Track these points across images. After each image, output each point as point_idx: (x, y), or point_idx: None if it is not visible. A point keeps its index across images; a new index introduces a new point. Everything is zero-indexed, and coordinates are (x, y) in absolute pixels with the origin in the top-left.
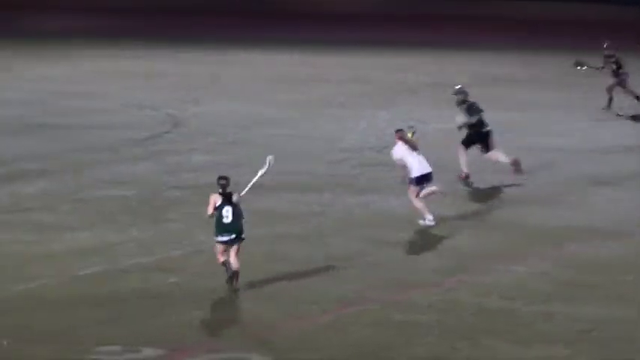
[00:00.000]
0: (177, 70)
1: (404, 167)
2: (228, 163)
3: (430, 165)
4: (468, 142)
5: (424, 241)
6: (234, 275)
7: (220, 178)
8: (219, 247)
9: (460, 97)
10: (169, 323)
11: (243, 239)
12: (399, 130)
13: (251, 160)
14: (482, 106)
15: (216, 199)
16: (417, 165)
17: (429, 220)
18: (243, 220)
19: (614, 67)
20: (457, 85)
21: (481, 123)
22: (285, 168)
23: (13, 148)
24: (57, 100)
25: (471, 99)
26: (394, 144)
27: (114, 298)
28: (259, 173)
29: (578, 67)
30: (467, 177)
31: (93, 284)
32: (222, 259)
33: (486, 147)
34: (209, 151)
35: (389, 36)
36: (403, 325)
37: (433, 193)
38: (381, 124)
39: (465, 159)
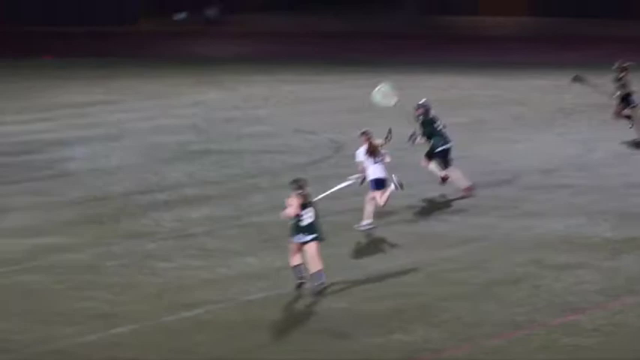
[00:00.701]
0: (338, 94)
1: (363, 170)
2: None
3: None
4: None
5: (587, 263)
6: (319, 275)
7: (298, 180)
8: (294, 248)
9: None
10: (341, 349)
11: (322, 239)
12: (364, 133)
13: (411, 182)
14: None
15: (294, 202)
16: (372, 171)
17: (366, 224)
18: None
19: (621, 89)
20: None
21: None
22: (445, 190)
23: (175, 175)
24: (216, 126)
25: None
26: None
27: (280, 323)
28: (341, 185)
29: (578, 83)
30: None
31: (259, 309)
32: (295, 262)
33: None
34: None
35: (542, 58)
36: (570, 350)
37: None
38: (542, 146)
39: None
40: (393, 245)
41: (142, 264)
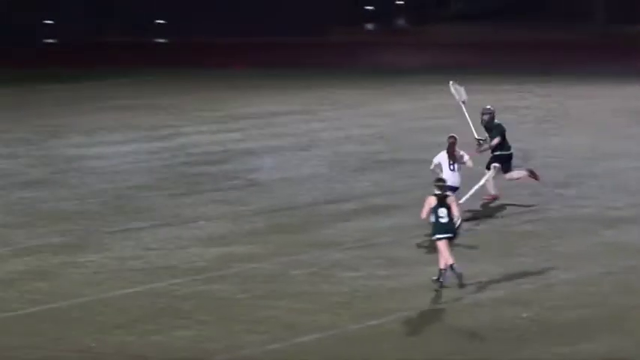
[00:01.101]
0: (525, 104)
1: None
2: (576, 195)
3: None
4: None
5: None
6: (451, 269)
7: (438, 180)
8: (441, 246)
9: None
10: (527, 358)
11: (455, 237)
12: (451, 137)
13: (596, 193)
14: None
15: (431, 201)
16: (447, 176)
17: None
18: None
19: None
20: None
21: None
22: (636, 200)
23: (363, 184)
24: (406, 136)
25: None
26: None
27: (464, 331)
28: (481, 182)
29: None
30: None
31: (445, 317)
32: (450, 261)
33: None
34: (563, 185)
35: None
36: None
37: None
38: None
39: None
40: (577, 255)
41: (327, 273)
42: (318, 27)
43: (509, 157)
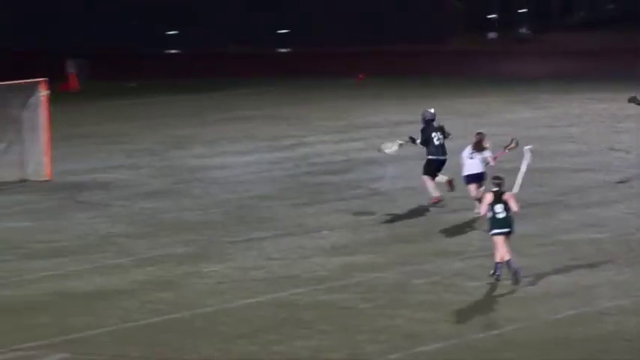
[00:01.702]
0: None
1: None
2: None
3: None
4: None
5: None
6: (508, 265)
7: (495, 177)
8: (498, 241)
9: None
10: None
11: (512, 233)
12: (479, 133)
13: None
14: None
15: (488, 198)
16: (466, 164)
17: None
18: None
19: None
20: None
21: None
22: None
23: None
24: (525, 144)
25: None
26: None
27: (587, 341)
28: (523, 167)
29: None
30: None
31: (566, 327)
32: (499, 258)
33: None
34: None
35: None
36: None
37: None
38: None
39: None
40: None
41: (449, 282)
42: (440, 35)
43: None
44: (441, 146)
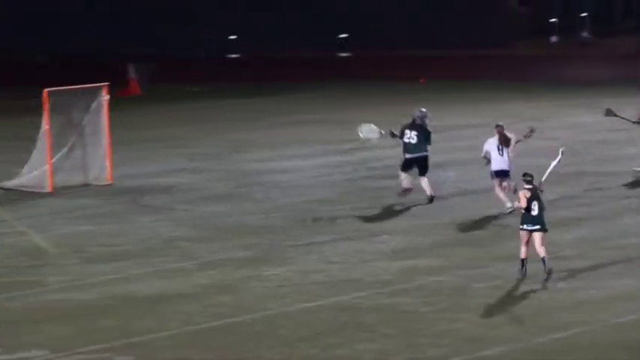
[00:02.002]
0: None
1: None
2: None
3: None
4: None
5: None
6: (543, 262)
7: (525, 174)
8: (523, 236)
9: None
10: None
11: (546, 230)
12: (498, 125)
13: None
14: None
15: (525, 194)
16: (495, 160)
17: (507, 208)
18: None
19: None
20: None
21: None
22: None
23: (547, 197)
24: (592, 148)
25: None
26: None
27: None
28: (553, 164)
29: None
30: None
31: (629, 331)
32: (523, 254)
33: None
34: None
35: None
36: None
37: (509, 187)
38: None
39: None
40: None
41: (512, 286)
42: (502, 40)
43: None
44: (412, 144)
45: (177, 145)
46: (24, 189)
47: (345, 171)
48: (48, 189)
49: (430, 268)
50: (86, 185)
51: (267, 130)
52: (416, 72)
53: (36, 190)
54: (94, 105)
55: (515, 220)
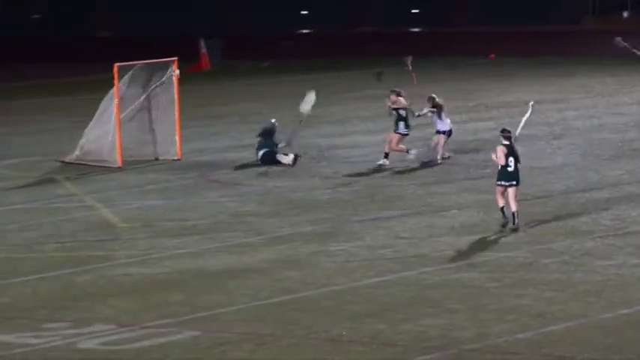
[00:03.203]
0: None
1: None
2: None
3: None
4: None
5: None
6: (513, 216)
7: (504, 130)
8: (500, 190)
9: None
10: None
11: (519, 185)
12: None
13: None
14: None
15: (503, 150)
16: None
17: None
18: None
19: None
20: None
21: None
22: None
23: (616, 172)
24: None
25: None
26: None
27: None
28: (524, 118)
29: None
30: None
31: None
32: (501, 204)
33: None
34: None
35: None
36: None
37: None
38: None
39: None
40: None
41: (580, 262)
42: (573, 15)
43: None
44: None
45: (247, 121)
46: (91, 163)
47: (416, 145)
48: (118, 164)
49: (497, 243)
50: (156, 160)
51: (336, 105)
52: (487, 48)
53: (106, 165)
54: (164, 80)
55: (582, 195)
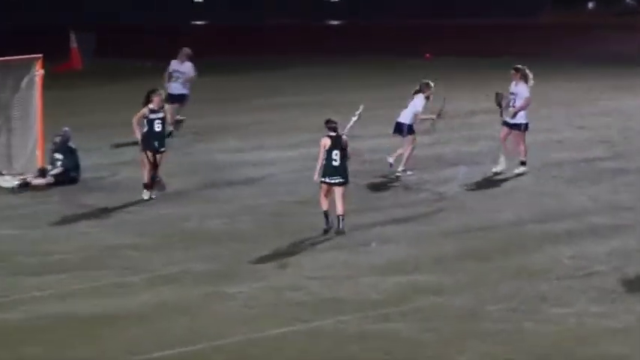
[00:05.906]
0: None
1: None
2: None
3: None
4: None
5: None
6: (338, 219)
7: (329, 121)
8: (324, 188)
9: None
10: None
11: (347, 183)
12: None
13: None
14: None
15: (326, 143)
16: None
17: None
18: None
19: None
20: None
21: None
22: None
23: (579, 199)
24: (635, 140)
25: None
26: None
27: None
28: (353, 119)
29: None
30: None
31: None
32: (325, 207)
33: None
34: None
35: None
36: None
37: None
38: None
39: None
40: None
41: (532, 309)
42: (529, 7)
43: None
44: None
45: (124, 133)
46: None
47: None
48: None
49: (432, 285)
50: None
51: (242, 114)
52: (421, 45)
53: None
54: (24, 82)
55: (535, 226)
